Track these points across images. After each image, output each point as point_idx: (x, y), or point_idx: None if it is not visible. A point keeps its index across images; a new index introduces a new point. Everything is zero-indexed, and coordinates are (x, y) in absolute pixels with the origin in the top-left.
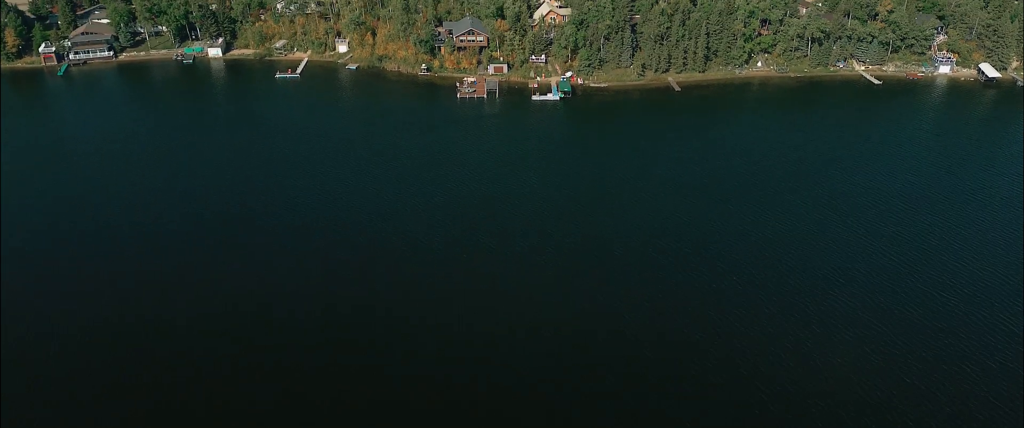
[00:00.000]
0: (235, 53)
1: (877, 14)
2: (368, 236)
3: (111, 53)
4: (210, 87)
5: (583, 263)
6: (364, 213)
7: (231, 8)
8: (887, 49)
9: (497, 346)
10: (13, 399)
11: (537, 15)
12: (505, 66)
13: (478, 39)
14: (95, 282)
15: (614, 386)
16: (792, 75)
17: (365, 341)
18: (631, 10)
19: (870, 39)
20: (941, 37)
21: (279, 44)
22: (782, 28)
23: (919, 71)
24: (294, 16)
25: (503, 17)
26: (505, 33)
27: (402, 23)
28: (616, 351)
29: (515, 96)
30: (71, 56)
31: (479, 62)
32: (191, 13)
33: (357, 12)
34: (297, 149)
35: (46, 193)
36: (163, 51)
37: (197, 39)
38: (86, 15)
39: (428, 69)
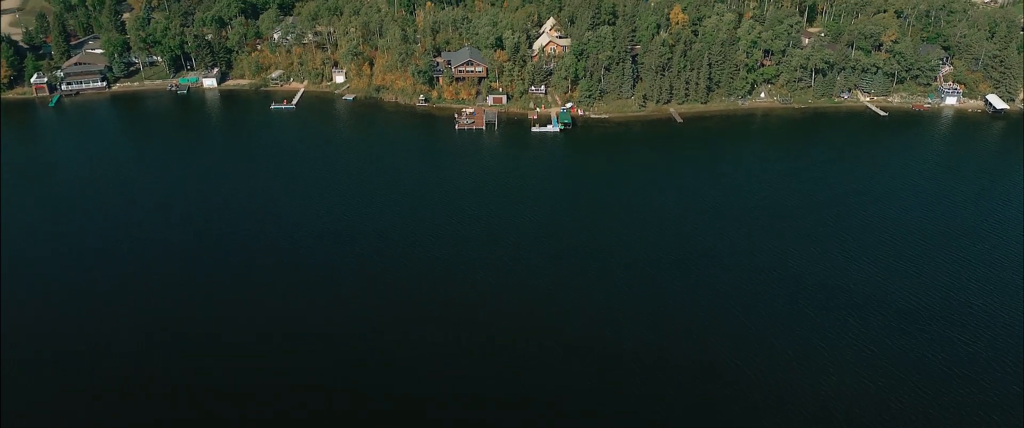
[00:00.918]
0: (231, 83)
1: (881, 45)
2: (365, 262)
3: (104, 83)
4: (203, 118)
5: (584, 288)
6: (359, 242)
7: (227, 38)
8: (892, 80)
9: (498, 365)
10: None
11: (537, 46)
12: (504, 97)
13: (477, 70)
14: (85, 308)
15: (616, 409)
16: (796, 106)
17: (363, 360)
18: (632, 41)
19: (875, 70)
20: (947, 68)
21: (275, 74)
22: (785, 59)
23: (925, 102)
24: (291, 46)
25: (502, 48)
26: (504, 64)
27: (400, 53)
28: (616, 374)
29: (514, 127)
30: (63, 86)
31: (478, 93)
32: (186, 43)
33: (355, 42)
34: (290, 180)
35: (34, 224)
36: (157, 81)
37: (192, 69)
38: (80, 45)
39: (426, 100)
